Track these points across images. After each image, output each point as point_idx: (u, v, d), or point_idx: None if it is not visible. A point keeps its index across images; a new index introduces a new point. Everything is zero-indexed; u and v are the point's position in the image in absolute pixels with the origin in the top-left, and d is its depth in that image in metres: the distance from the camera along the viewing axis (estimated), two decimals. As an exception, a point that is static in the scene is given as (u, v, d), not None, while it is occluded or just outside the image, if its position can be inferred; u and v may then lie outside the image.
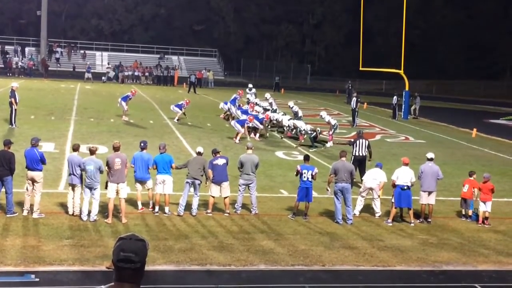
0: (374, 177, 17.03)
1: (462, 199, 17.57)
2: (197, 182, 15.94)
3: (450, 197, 19.60)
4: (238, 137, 27.27)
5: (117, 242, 3.92)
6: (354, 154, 20.22)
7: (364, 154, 20.28)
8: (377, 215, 17.04)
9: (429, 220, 16.75)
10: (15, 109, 27.20)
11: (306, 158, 17.17)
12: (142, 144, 16.34)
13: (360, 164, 20.02)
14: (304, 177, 16.16)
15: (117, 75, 61.88)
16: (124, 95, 32.30)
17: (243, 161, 16.59)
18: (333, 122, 28.72)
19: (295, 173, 16.76)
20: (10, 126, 26.92)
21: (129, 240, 3.89)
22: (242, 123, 28.09)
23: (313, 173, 16.23)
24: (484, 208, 16.84)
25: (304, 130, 27.43)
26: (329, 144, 27.78)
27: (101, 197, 15.01)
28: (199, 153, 16.53)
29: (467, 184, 17.35)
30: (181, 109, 32.36)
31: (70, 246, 12.78)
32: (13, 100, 27.09)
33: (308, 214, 16.31)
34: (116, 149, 15.34)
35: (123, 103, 31.54)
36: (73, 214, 14.97)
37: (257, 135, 28.29)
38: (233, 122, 28.83)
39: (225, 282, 11.50)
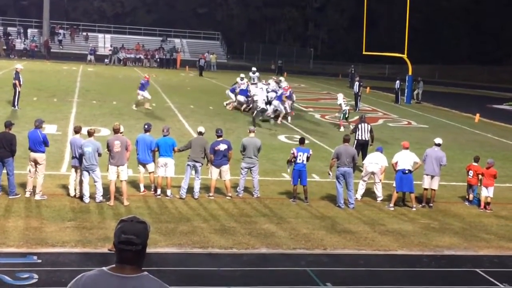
0: (375, 161, 17.02)
1: (468, 185, 17.53)
2: (198, 164, 15.92)
3: (452, 181, 19.60)
4: (280, 118, 28.34)
5: (118, 224, 3.92)
6: (356, 138, 20.32)
7: (366, 139, 20.39)
8: (378, 199, 17.04)
9: (431, 204, 16.75)
10: (19, 91, 27.18)
11: (302, 141, 16.93)
12: (146, 126, 16.30)
13: (363, 148, 20.19)
14: (299, 159, 16.13)
15: (118, 57, 61.63)
16: (141, 85, 30.62)
17: (245, 144, 16.57)
18: (344, 107, 28.73)
19: (288, 158, 16.72)
20: (13, 108, 26.92)
21: (130, 223, 3.89)
22: (280, 99, 28.85)
23: (308, 155, 16.22)
24: (486, 193, 16.83)
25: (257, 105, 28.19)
26: (341, 129, 27.88)
27: (102, 179, 15.01)
28: (200, 133, 16.48)
29: (472, 170, 17.30)
30: (233, 93, 32.02)
31: (72, 228, 12.81)
32: (17, 82, 27.13)
33: (308, 198, 16.32)
34: (116, 131, 15.28)
35: (142, 92, 30.23)
36: (75, 196, 15.00)
37: (279, 119, 28.88)
38: (276, 103, 28.96)
39: (227, 265, 11.53)
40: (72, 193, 15.09)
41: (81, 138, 15.21)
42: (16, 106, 26.99)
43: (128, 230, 3.85)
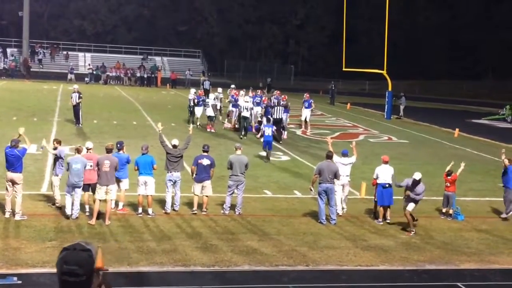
0: (346, 174, 17.04)
1: (444, 197, 17.60)
2: (177, 179, 16.13)
3: (433, 196, 19.68)
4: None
5: (60, 253, 3.61)
6: (273, 117, 27.79)
7: (281, 117, 28.39)
8: (344, 210, 17.05)
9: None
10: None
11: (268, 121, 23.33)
12: (143, 149, 16.21)
13: (277, 124, 27.69)
14: (266, 132, 23.25)
15: (100, 75, 61.65)
16: (234, 101, 32.01)
17: (232, 162, 16.56)
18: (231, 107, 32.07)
19: (259, 134, 23.52)
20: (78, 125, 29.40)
21: (73, 251, 3.58)
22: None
23: (273, 130, 23.59)
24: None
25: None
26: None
27: (82, 197, 14.96)
28: (174, 146, 16.50)
29: (446, 180, 17.48)
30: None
31: (53, 248, 12.69)
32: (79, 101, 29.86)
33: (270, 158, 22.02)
34: (108, 151, 15.30)
35: (234, 109, 31.77)
36: (71, 216, 14.83)
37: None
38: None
39: (209, 283, 11.48)
40: (68, 212, 14.87)
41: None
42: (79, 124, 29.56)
43: (70, 260, 3.54)
